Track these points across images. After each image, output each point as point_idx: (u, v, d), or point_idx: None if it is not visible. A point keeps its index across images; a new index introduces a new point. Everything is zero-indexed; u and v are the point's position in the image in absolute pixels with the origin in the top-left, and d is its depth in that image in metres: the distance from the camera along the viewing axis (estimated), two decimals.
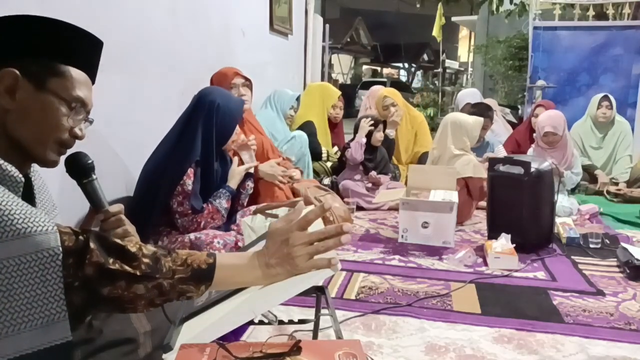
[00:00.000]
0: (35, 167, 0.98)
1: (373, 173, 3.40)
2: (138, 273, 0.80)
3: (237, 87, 2.72)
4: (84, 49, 0.97)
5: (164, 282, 0.82)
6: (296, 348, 0.74)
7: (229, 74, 2.73)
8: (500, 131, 4.51)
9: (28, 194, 0.90)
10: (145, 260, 0.82)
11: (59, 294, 0.74)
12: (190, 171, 1.93)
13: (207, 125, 2.00)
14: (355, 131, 3.50)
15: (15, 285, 0.71)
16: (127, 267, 0.80)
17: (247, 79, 2.76)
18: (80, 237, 0.79)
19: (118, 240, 0.82)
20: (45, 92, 0.90)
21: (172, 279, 0.83)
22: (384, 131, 3.54)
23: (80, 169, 1.24)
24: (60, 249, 0.74)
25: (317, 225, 0.91)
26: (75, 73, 0.94)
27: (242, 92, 2.72)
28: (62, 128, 0.93)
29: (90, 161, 1.25)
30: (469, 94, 4.83)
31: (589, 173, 3.96)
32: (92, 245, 0.78)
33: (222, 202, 2.04)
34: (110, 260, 0.79)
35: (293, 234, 0.88)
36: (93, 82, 1.01)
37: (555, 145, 3.49)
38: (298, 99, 3.49)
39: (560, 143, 3.50)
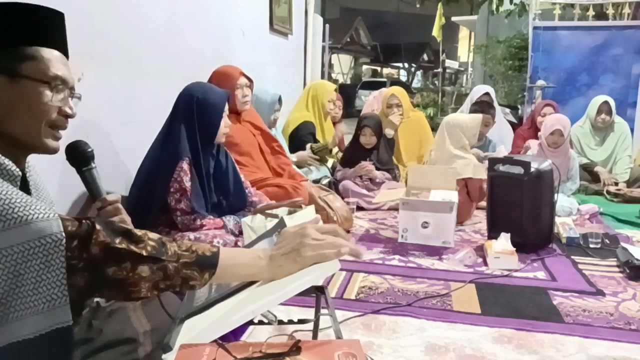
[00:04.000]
0: (31, 164, 0.97)
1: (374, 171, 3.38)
2: (144, 253, 0.80)
3: (242, 87, 2.69)
4: (47, 25, 0.94)
5: (169, 265, 0.82)
6: (296, 348, 0.73)
7: (235, 74, 2.69)
8: (504, 131, 4.48)
9: (24, 190, 0.90)
10: (151, 242, 0.82)
11: (60, 278, 0.74)
12: (186, 167, 1.91)
13: (190, 121, 1.96)
14: (355, 129, 3.50)
15: (22, 271, 0.71)
16: (133, 247, 0.80)
17: (250, 80, 2.75)
18: (85, 221, 0.79)
19: (123, 224, 0.83)
20: (21, 80, 0.88)
21: (177, 263, 0.83)
22: (376, 134, 3.48)
23: (80, 156, 1.25)
24: (63, 234, 0.74)
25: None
26: (46, 52, 0.91)
27: (246, 93, 2.70)
28: (50, 110, 0.91)
29: (90, 149, 1.27)
30: (482, 88, 4.75)
31: (589, 171, 3.95)
32: (98, 227, 0.79)
33: (230, 222, 2.02)
34: (117, 240, 0.79)
35: (309, 227, 0.92)
36: (67, 57, 0.98)
37: (558, 146, 3.48)
38: (280, 99, 3.35)
39: (562, 147, 3.48)
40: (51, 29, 0.95)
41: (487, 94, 4.30)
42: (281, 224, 1.15)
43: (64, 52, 0.97)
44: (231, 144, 2.65)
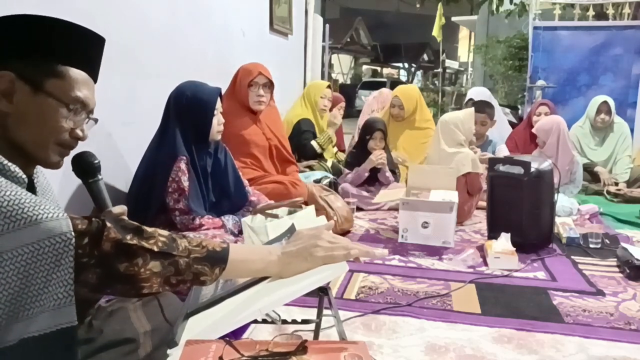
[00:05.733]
0: (39, 169, 0.98)
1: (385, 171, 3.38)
2: (155, 249, 0.81)
3: (258, 86, 2.69)
4: (82, 47, 0.95)
5: (180, 260, 0.83)
6: (302, 348, 0.74)
7: (254, 71, 2.70)
8: (505, 131, 4.50)
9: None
10: (162, 238, 0.83)
11: (68, 278, 0.74)
12: (184, 166, 1.91)
13: (182, 120, 1.97)
14: (362, 132, 3.49)
15: (32, 271, 0.72)
16: (144, 243, 0.80)
17: (270, 80, 2.74)
18: (95, 220, 0.80)
19: (133, 222, 0.84)
20: (42, 94, 0.89)
21: (188, 258, 0.83)
22: (385, 139, 3.45)
23: (86, 168, 1.25)
24: (73, 233, 0.75)
25: (321, 221, 0.95)
26: (74, 73, 0.93)
27: (261, 93, 2.69)
28: (62, 130, 0.92)
29: (96, 161, 1.27)
30: (475, 92, 4.77)
31: (589, 172, 3.96)
32: (108, 224, 0.79)
33: (229, 222, 2.01)
34: (128, 237, 0.80)
35: (324, 232, 0.94)
36: (95, 80, 0.99)
37: (541, 147, 3.50)
38: None
39: (548, 149, 3.47)
40: (86, 52, 0.97)
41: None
42: (291, 230, 1.16)
43: (94, 75, 0.99)
44: (240, 142, 2.66)
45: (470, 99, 4.49)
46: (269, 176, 2.72)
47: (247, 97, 2.70)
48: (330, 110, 4.02)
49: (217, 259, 0.86)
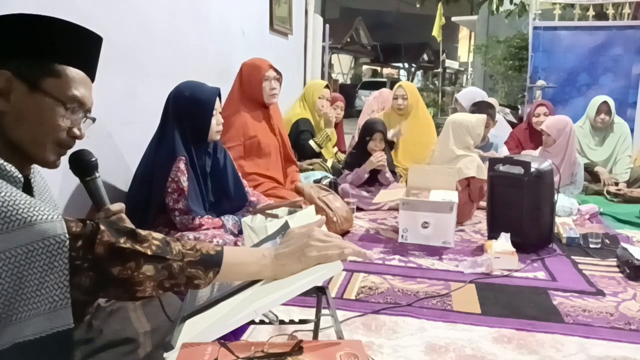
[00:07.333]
0: (36, 168, 0.98)
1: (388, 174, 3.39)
2: (149, 252, 0.81)
3: (270, 80, 2.69)
4: (80, 46, 0.95)
5: (174, 264, 0.82)
6: (298, 348, 0.74)
7: (263, 66, 2.70)
8: (504, 132, 4.50)
9: (27, 194, 0.91)
10: (156, 242, 0.83)
11: (63, 280, 0.74)
12: (183, 166, 1.91)
13: (180, 120, 1.96)
14: (362, 133, 3.48)
15: (25, 273, 0.72)
16: (137, 246, 0.80)
17: (279, 73, 2.74)
18: (89, 222, 0.80)
19: (128, 225, 0.83)
20: (39, 93, 0.89)
21: (181, 262, 0.83)
22: (384, 140, 3.44)
23: (83, 166, 1.25)
24: (67, 235, 0.75)
25: (317, 219, 0.95)
26: (72, 72, 0.93)
27: (274, 86, 2.70)
28: (59, 129, 0.92)
29: (94, 159, 1.26)
30: (462, 95, 4.75)
31: (589, 171, 3.96)
32: (102, 227, 0.79)
33: (229, 222, 2.01)
34: (122, 240, 0.79)
35: (316, 229, 0.93)
36: (93, 80, 0.99)
37: (548, 145, 3.50)
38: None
39: (555, 148, 3.48)
40: (83, 51, 0.96)
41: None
42: (285, 227, 1.15)
43: (91, 74, 0.99)
44: (253, 145, 2.66)
45: (457, 100, 4.52)
46: (275, 189, 2.70)
47: (261, 93, 2.70)
48: None
49: (211, 262, 0.85)
